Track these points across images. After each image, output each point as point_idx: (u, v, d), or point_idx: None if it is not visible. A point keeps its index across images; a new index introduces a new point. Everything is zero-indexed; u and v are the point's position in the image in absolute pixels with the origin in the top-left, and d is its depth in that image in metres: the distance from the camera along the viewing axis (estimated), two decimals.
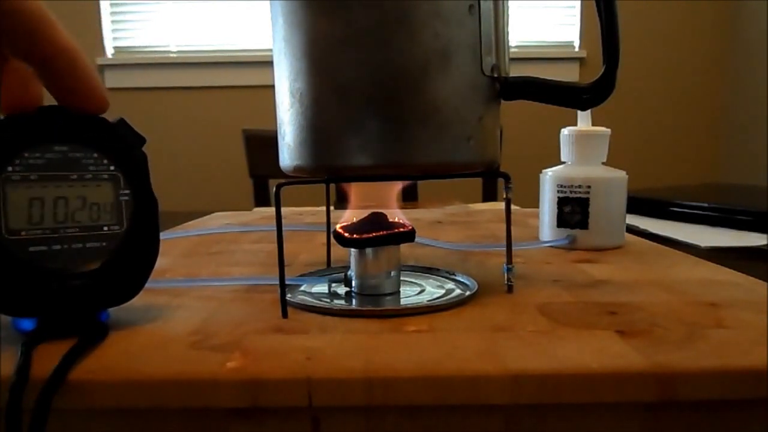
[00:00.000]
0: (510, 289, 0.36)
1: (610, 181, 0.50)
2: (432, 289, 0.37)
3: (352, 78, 0.31)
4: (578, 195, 0.49)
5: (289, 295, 0.35)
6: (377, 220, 0.36)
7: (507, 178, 0.35)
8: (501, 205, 1.05)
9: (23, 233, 0.27)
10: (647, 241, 0.55)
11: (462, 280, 0.39)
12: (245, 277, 0.43)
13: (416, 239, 0.38)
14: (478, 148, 0.34)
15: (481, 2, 0.33)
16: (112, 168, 0.30)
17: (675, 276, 0.40)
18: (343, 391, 0.24)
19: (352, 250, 0.36)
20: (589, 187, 0.49)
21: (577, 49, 2.20)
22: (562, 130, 0.52)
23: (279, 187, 0.32)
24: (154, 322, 0.31)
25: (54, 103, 0.29)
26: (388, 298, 0.36)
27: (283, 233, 0.32)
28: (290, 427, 0.25)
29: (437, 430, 0.25)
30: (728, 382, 0.24)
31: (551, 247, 0.51)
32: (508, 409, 0.25)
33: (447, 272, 0.40)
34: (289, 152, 0.34)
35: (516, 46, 2.17)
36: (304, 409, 0.24)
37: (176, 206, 0.98)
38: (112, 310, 0.31)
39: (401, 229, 0.35)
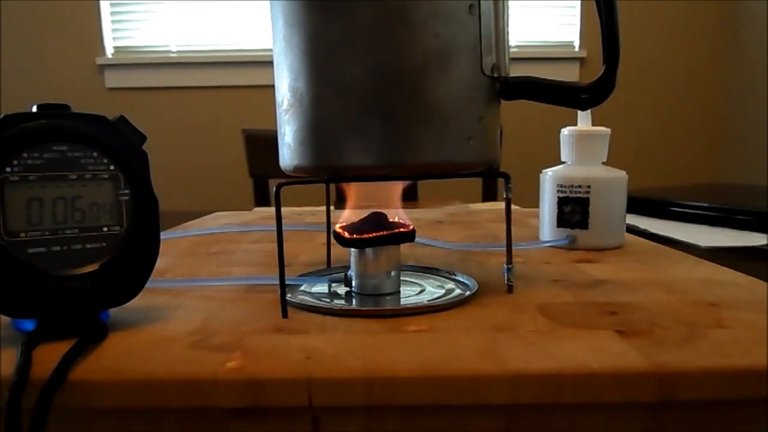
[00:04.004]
0: (510, 289, 0.36)
1: (610, 181, 0.50)
2: (432, 289, 0.37)
3: (352, 78, 0.31)
4: (578, 195, 0.49)
5: (289, 295, 0.35)
6: (377, 220, 0.36)
7: (507, 178, 0.35)
8: (501, 205, 1.05)
9: (22, 234, 0.27)
10: (647, 241, 0.55)
11: (462, 280, 0.39)
12: (245, 277, 0.43)
13: (416, 239, 0.38)
14: (478, 148, 0.34)
15: (481, 2, 0.33)
16: (111, 167, 0.29)
17: (675, 276, 0.40)
18: (343, 391, 0.24)
19: (352, 250, 0.36)
20: (589, 187, 0.49)
21: (577, 49, 2.20)
22: (562, 130, 0.52)
23: (279, 187, 0.32)
24: (154, 322, 0.31)
25: (51, 101, 0.29)
26: (388, 298, 0.36)
27: (283, 233, 0.32)
28: (290, 427, 0.25)
29: (437, 430, 0.25)
30: (728, 382, 0.24)
31: (551, 247, 0.51)
32: (508, 409, 0.25)
33: (447, 272, 0.40)
34: (289, 152, 0.34)
35: (516, 46, 2.17)
36: (304, 409, 0.24)
37: (176, 206, 0.97)
38: (112, 310, 0.31)
39: (401, 229, 0.35)
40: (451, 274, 0.40)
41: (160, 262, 0.34)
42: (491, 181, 1.36)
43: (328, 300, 0.36)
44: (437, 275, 0.40)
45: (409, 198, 1.37)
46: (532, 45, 2.20)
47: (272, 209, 0.37)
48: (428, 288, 0.37)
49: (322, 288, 0.38)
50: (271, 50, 0.36)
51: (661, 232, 0.65)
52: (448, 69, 0.32)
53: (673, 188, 0.98)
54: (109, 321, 0.30)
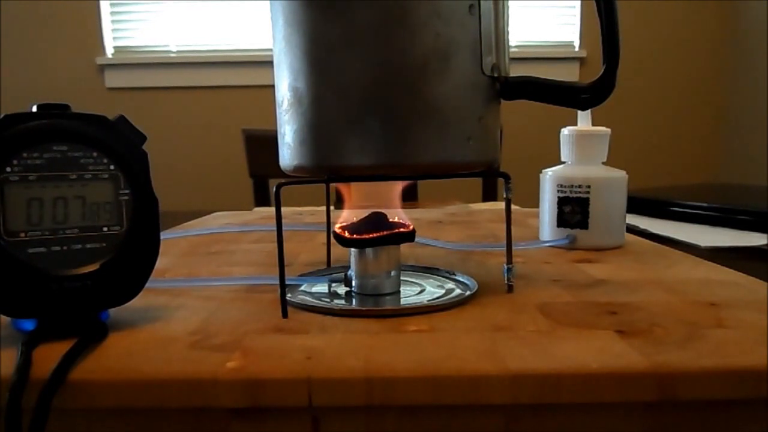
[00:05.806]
0: (510, 289, 0.36)
1: (610, 181, 0.50)
2: (432, 289, 0.37)
3: (352, 78, 0.31)
4: (578, 195, 0.49)
5: (289, 295, 0.35)
6: (377, 220, 0.36)
7: (507, 178, 0.35)
8: (501, 205, 1.05)
9: (22, 234, 0.27)
10: (647, 241, 0.55)
11: (462, 280, 0.39)
12: (245, 277, 0.43)
13: (416, 239, 0.38)
14: (478, 148, 0.34)
15: (481, 2, 0.33)
16: (111, 167, 0.29)
17: (675, 276, 0.40)
18: (343, 391, 0.24)
19: (352, 250, 0.36)
20: (589, 187, 0.49)
21: (577, 49, 2.20)
22: (562, 130, 0.52)
23: (279, 186, 0.32)
24: (154, 322, 0.31)
25: (51, 101, 0.29)
26: (388, 298, 0.36)
27: (283, 233, 0.32)
28: (290, 427, 0.25)
29: (437, 430, 0.25)
30: (728, 382, 0.24)
31: (551, 247, 0.51)
32: (508, 409, 0.25)
33: (447, 272, 0.40)
34: (289, 152, 0.34)
35: (516, 46, 2.17)
36: (304, 409, 0.24)
37: (176, 206, 0.97)
38: (112, 310, 0.31)
39: (401, 229, 0.35)
40: (451, 274, 0.40)
41: (160, 262, 0.34)
42: (491, 181, 1.36)
43: (328, 300, 0.36)
44: (437, 275, 0.40)
45: (409, 198, 1.36)
46: (532, 45, 2.20)
47: (272, 209, 0.37)
48: (428, 288, 0.37)
49: (322, 288, 0.38)
50: (271, 50, 0.36)
51: (661, 232, 0.65)
52: (448, 69, 0.32)
53: (673, 188, 0.98)
54: (109, 321, 0.30)
